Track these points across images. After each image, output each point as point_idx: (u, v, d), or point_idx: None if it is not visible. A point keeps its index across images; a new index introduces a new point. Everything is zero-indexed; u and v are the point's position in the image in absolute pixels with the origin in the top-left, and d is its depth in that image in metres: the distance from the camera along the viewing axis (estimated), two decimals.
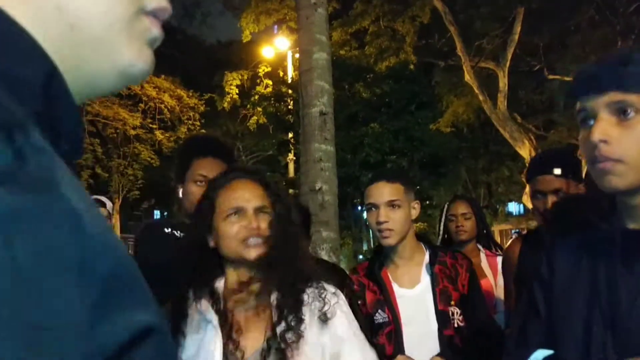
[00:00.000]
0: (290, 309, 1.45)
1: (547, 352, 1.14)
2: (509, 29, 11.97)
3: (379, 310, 2.10)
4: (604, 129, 1.06)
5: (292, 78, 14.57)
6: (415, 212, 2.16)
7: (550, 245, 1.31)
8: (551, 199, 2.23)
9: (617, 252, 1.11)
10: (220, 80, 16.38)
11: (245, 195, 1.55)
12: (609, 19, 11.36)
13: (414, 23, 12.89)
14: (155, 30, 0.53)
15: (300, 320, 1.44)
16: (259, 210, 1.54)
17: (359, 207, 18.72)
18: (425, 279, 2.12)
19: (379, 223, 2.12)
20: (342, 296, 1.55)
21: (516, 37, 11.75)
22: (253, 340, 1.48)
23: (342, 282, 2.89)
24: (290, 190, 13.16)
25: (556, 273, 1.22)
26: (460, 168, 14.54)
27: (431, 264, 2.12)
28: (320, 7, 5.05)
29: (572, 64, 11.80)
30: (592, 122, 1.09)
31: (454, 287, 2.06)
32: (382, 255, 2.21)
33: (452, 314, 2.03)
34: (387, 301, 2.10)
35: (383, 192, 2.14)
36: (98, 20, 0.48)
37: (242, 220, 1.52)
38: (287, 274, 1.49)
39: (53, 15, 0.46)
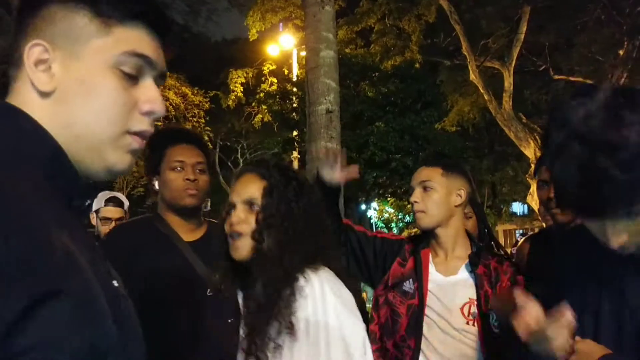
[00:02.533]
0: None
1: None
2: (515, 28, 11.94)
3: (409, 280, 2.11)
4: (619, 236, 1.08)
5: (297, 76, 14.57)
6: (459, 199, 2.12)
7: (558, 254, 1.35)
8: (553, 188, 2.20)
9: (623, 263, 1.15)
10: (225, 77, 16.40)
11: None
12: (616, 18, 11.31)
13: (419, 22, 12.87)
14: (135, 145, 0.81)
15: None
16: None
17: (363, 206, 18.74)
18: (462, 275, 2.09)
19: (412, 204, 2.15)
20: (312, 285, 1.46)
21: (522, 36, 11.71)
22: None
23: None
24: None
25: (564, 283, 1.26)
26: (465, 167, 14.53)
27: (473, 263, 2.08)
28: (327, 4, 5.05)
29: (578, 64, 11.79)
30: None
31: (493, 291, 2.03)
32: (427, 239, 2.20)
33: (491, 318, 2.00)
34: (419, 276, 2.09)
35: (420, 174, 2.16)
36: (94, 136, 0.78)
37: None
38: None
39: (65, 129, 0.77)
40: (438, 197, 2.10)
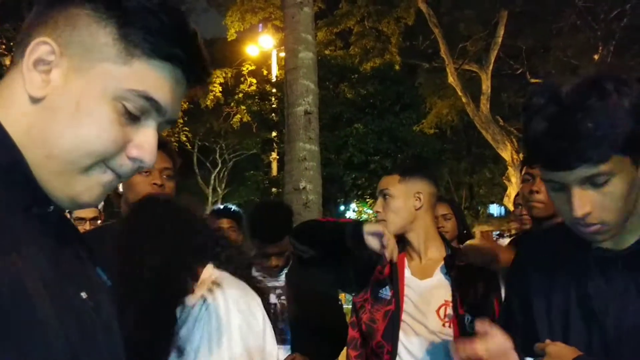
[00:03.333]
0: None
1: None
2: (493, 32, 12.07)
3: (386, 286, 2.12)
4: (584, 203, 1.09)
5: (276, 77, 14.55)
6: (418, 203, 2.12)
7: (525, 257, 1.35)
8: (538, 180, 2.15)
9: (589, 267, 1.18)
10: None
11: None
12: (591, 24, 11.49)
13: (398, 24, 12.94)
14: (107, 177, 0.73)
15: None
16: None
17: (343, 207, 18.77)
18: (437, 277, 2.10)
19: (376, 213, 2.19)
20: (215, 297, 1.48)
21: (499, 40, 11.86)
22: None
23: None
24: (274, 189, 13.14)
25: (531, 284, 1.28)
26: (443, 169, 14.66)
27: (449, 266, 2.09)
28: (306, 6, 5.05)
29: (554, 68, 11.95)
30: (559, 186, 1.12)
31: (467, 293, 2.05)
32: (402, 243, 2.20)
33: (465, 319, 2.01)
34: (394, 282, 2.11)
35: (380, 184, 2.21)
36: (66, 162, 0.70)
37: None
38: None
39: (38, 145, 0.69)
40: (396, 204, 2.11)
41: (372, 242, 1.94)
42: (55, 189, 0.72)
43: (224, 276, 1.54)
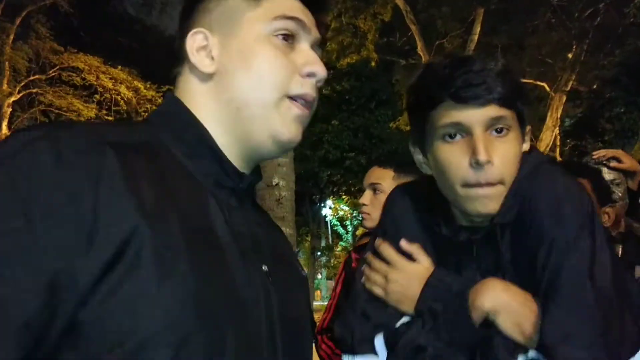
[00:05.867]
0: None
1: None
2: (469, 29, 12.13)
3: None
4: (487, 148, 0.99)
5: None
6: None
7: (395, 235, 1.26)
8: None
9: (452, 247, 1.12)
10: None
11: None
12: (565, 23, 11.61)
13: (375, 20, 12.93)
14: (295, 110, 0.81)
15: None
16: None
17: (318, 204, 18.76)
18: None
19: (361, 205, 2.10)
20: None
21: (475, 37, 11.91)
22: None
23: None
24: None
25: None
26: None
27: None
28: None
29: (529, 66, 12.05)
30: (458, 137, 1.02)
31: None
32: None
33: None
34: None
35: (371, 175, 2.09)
36: (255, 103, 0.79)
37: None
38: None
39: (228, 106, 0.80)
40: None
41: None
42: (256, 134, 0.80)
43: None
